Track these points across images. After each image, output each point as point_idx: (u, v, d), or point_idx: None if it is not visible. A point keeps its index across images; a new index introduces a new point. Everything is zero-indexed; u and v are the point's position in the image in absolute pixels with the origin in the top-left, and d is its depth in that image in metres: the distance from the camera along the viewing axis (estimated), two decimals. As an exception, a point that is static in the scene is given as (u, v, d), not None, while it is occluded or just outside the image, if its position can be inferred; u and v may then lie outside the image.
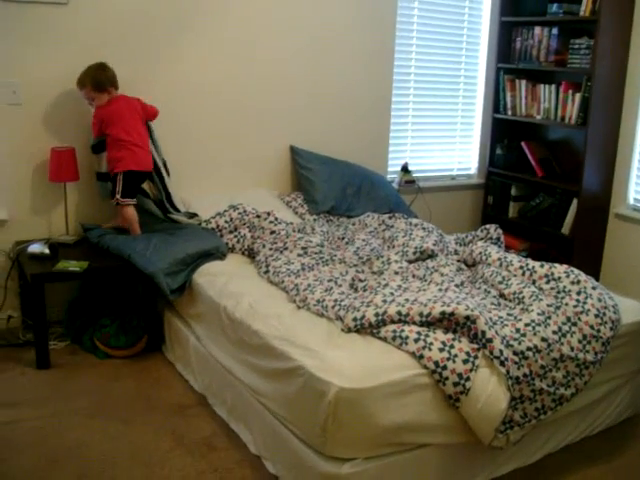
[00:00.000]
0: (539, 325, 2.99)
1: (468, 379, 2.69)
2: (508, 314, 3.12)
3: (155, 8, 4.41)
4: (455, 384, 2.67)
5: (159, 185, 4.37)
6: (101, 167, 4.32)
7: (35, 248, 4.00)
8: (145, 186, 4.37)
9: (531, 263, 3.53)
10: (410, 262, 3.86)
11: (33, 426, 3.29)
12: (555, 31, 5.25)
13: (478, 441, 2.79)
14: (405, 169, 5.67)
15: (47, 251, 3.97)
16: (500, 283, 3.46)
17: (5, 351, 4.06)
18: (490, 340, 2.77)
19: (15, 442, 3.14)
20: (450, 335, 2.82)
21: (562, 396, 2.97)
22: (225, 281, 3.63)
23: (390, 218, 4.51)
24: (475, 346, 2.79)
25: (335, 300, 3.20)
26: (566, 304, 3.16)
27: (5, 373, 3.81)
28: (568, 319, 3.08)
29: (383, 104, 5.48)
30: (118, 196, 4.08)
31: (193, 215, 4.42)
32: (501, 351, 2.76)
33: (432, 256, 3.95)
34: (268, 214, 4.26)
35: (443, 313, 2.85)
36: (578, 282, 3.28)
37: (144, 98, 4.36)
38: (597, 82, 4.97)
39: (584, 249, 5.30)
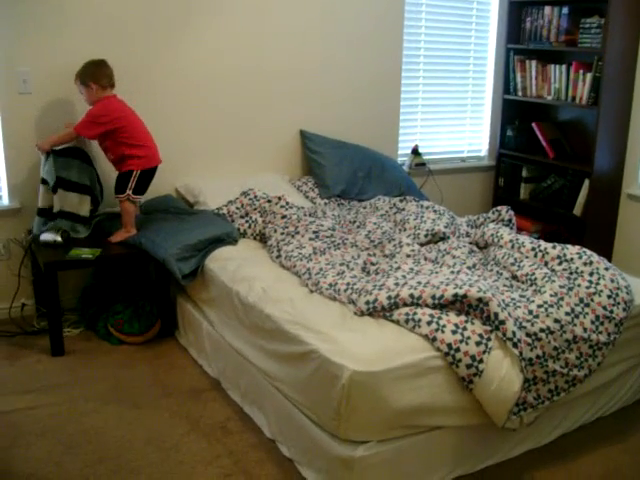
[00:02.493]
0: (552, 306, 2.99)
1: (481, 361, 2.69)
2: (521, 296, 3.12)
3: (163, -6, 4.41)
4: (468, 366, 2.68)
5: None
6: (45, 200, 4.10)
7: (48, 236, 4.02)
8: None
9: (543, 244, 3.52)
10: (422, 245, 3.86)
11: (49, 412, 3.31)
12: (565, 10, 5.20)
13: (492, 423, 2.79)
14: (415, 152, 5.66)
15: (59, 239, 3.99)
16: (512, 265, 3.45)
17: (20, 339, 4.09)
18: (503, 322, 2.77)
19: (32, 428, 3.17)
20: (463, 317, 2.82)
21: (575, 377, 2.97)
22: (237, 266, 3.64)
23: (401, 201, 4.50)
24: (488, 328, 2.79)
25: (347, 284, 3.20)
26: (579, 285, 3.15)
27: (20, 360, 3.84)
28: (581, 300, 3.08)
29: (393, 87, 5.46)
30: (130, 192, 4.05)
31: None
32: (514, 333, 2.76)
33: (444, 239, 3.94)
34: (279, 199, 4.27)
35: (456, 295, 2.85)
36: (591, 263, 3.27)
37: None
38: (608, 62, 4.92)
39: (596, 230, 5.27)
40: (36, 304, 4.35)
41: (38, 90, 4.16)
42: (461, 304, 2.86)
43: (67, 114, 4.24)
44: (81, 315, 4.28)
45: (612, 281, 3.17)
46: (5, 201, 4.27)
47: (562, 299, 3.05)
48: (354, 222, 4.30)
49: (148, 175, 4.11)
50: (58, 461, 2.94)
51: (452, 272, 3.19)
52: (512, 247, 3.62)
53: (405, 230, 4.04)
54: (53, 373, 3.71)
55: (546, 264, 3.40)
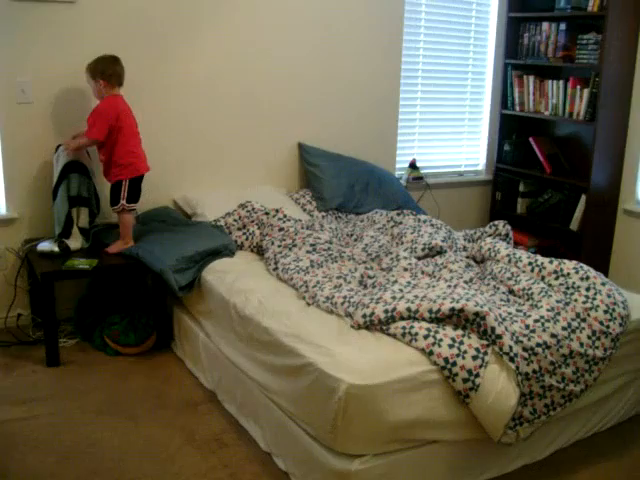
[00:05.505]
0: (548, 321, 2.99)
1: (478, 375, 2.69)
2: (517, 310, 3.12)
3: (163, 6, 4.42)
4: (465, 380, 2.67)
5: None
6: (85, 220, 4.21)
7: (44, 246, 4.02)
8: None
9: (540, 259, 3.52)
10: (419, 258, 3.86)
11: (44, 423, 3.30)
12: (563, 26, 5.24)
13: (488, 437, 2.79)
14: (413, 165, 5.67)
15: (56, 249, 3.99)
16: (509, 279, 3.46)
17: (16, 349, 4.08)
18: (499, 336, 2.77)
19: (27, 438, 3.16)
20: (460, 331, 2.82)
21: (571, 392, 2.97)
22: (234, 278, 3.64)
23: (398, 214, 4.50)
24: (485, 342, 2.79)
25: (344, 297, 3.20)
26: (575, 300, 3.16)
27: (16, 371, 3.83)
28: (577, 315, 3.08)
29: (391, 100, 5.48)
30: (124, 202, 4.06)
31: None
32: (511, 347, 2.76)
33: (441, 252, 3.94)
34: (277, 211, 4.27)
35: (452, 309, 2.85)
36: (587, 278, 3.27)
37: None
38: (605, 77, 4.95)
39: (593, 245, 5.29)
40: (32, 314, 4.34)
41: (39, 99, 4.17)
42: (458, 318, 2.86)
43: (68, 123, 4.24)
44: (77, 326, 4.26)
45: (609, 296, 3.18)
46: (2, 210, 4.26)
47: (559, 314, 3.05)
48: (351, 235, 4.30)
49: (138, 182, 4.12)
50: (52, 472, 2.92)
51: (449, 286, 3.19)
52: (509, 262, 3.62)
53: (402, 244, 4.04)
54: (48, 384, 3.70)
55: (543, 279, 3.40)
